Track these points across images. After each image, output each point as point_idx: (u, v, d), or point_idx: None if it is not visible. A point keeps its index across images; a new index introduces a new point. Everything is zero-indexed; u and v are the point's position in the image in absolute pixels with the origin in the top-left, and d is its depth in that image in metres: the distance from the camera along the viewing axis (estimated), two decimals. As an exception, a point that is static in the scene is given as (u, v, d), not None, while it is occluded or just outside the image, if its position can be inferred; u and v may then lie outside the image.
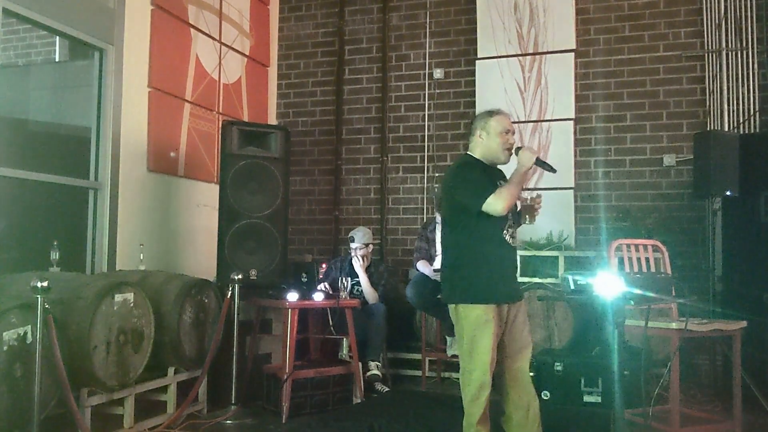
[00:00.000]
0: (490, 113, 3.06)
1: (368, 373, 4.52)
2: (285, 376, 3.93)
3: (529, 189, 5.51)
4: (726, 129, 5.07)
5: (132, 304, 3.46)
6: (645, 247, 4.09)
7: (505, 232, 2.98)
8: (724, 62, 5.18)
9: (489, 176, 3.01)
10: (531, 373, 4.30)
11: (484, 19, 5.80)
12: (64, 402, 2.98)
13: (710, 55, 5.25)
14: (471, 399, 2.91)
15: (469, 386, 2.92)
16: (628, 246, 4.05)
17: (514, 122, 5.50)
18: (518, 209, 3.11)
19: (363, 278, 4.82)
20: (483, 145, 3.04)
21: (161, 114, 4.90)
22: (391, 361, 5.01)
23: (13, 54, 4.93)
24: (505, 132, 3.02)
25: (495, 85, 5.72)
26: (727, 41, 5.20)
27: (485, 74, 5.76)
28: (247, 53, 6.00)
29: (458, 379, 3.06)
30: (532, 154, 2.93)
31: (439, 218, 4.76)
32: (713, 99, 5.21)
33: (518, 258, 3.25)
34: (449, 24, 6.01)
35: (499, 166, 3.11)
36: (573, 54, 5.56)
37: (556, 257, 5.08)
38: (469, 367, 2.94)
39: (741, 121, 5.09)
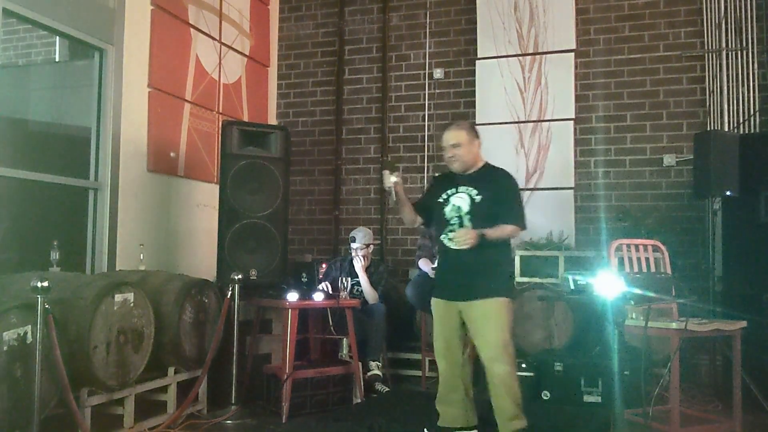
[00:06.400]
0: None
1: (368, 373, 4.52)
2: (285, 376, 3.93)
3: (529, 189, 5.52)
4: (726, 129, 5.07)
5: (132, 304, 3.46)
6: (645, 247, 4.09)
7: (444, 235, 3.31)
8: (724, 62, 5.18)
9: (441, 186, 3.47)
10: (531, 373, 4.34)
11: (484, 19, 5.80)
12: (64, 402, 2.98)
13: (710, 55, 5.25)
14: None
15: None
16: (628, 246, 4.04)
17: (514, 122, 5.62)
18: (458, 215, 3.28)
19: (363, 278, 4.82)
20: None
21: (161, 114, 4.89)
22: (391, 361, 5.01)
23: (13, 54, 4.93)
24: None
25: (495, 85, 5.72)
26: (727, 41, 5.20)
27: (485, 74, 5.76)
28: (247, 53, 5.99)
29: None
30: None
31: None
32: (713, 99, 5.21)
33: (468, 258, 3.19)
34: (449, 24, 6.01)
35: (472, 170, 3.47)
36: (573, 54, 5.56)
37: (556, 257, 5.07)
38: None
39: (741, 121, 5.08)
